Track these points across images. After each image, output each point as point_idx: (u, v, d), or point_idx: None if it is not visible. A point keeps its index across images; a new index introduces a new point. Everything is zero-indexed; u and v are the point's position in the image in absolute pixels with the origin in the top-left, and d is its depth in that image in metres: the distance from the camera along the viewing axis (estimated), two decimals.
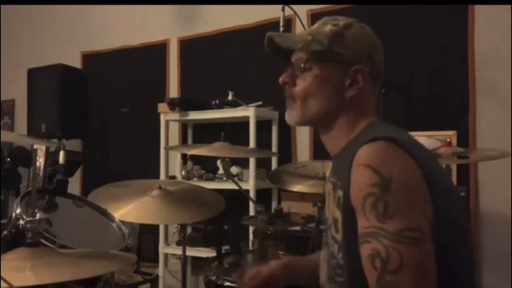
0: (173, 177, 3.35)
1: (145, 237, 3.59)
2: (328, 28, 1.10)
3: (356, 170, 0.96)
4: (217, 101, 3.15)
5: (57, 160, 1.82)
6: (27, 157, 3.63)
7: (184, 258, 2.10)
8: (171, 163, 3.38)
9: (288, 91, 1.15)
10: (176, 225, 2.19)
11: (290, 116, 1.16)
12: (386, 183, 0.90)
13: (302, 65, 1.12)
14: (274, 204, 3.12)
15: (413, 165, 0.93)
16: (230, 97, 3.15)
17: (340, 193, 1.02)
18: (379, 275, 0.88)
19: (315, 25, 1.15)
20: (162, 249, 3.32)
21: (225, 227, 1.90)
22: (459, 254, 0.98)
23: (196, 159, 3.35)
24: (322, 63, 1.10)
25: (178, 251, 3.14)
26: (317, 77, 1.10)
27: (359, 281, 0.95)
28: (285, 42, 1.15)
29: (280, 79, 1.16)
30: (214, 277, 1.67)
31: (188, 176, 3.30)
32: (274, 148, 3.18)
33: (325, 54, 1.09)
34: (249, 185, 2.94)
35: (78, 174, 4.00)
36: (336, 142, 1.14)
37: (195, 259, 3.23)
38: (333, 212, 1.06)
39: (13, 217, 1.46)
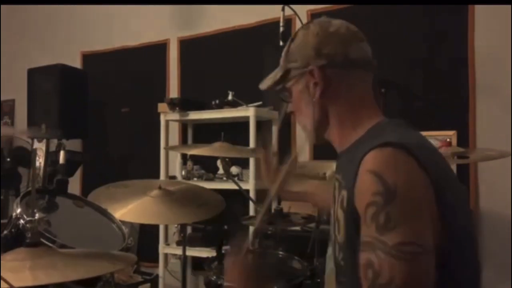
0: (173, 177, 3.35)
1: (145, 237, 3.59)
2: (284, 50, 1.17)
3: (361, 176, 0.94)
4: (217, 101, 3.15)
5: (57, 160, 1.82)
6: (27, 157, 3.63)
7: (184, 258, 2.11)
8: (171, 163, 3.38)
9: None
10: (176, 225, 2.19)
11: (308, 139, 1.20)
12: (391, 193, 0.88)
13: (282, 95, 1.20)
14: (274, 204, 3.11)
15: (421, 174, 0.91)
16: (230, 97, 3.15)
17: (344, 193, 1.01)
18: (369, 286, 0.88)
19: None
20: (162, 249, 3.32)
21: (225, 227, 1.90)
22: (461, 268, 0.96)
23: (196, 159, 3.35)
24: (288, 83, 1.17)
25: (178, 251, 3.15)
26: (294, 98, 1.17)
27: (358, 284, 0.94)
28: (264, 84, 1.23)
29: (288, 112, 1.24)
30: (214, 277, 1.67)
31: (188, 176, 3.30)
32: (274, 148, 3.17)
33: (285, 75, 1.16)
34: (249, 185, 2.94)
35: (78, 174, 4.00)
36: (340, 140, 1.14)
37: (195, 259, 3.23)
38: (336, 211, 1.06)
39: (13, 217, 1.46)
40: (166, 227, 3.35)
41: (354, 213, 0.96)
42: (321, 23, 1.14)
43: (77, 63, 4.15)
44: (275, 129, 3.19)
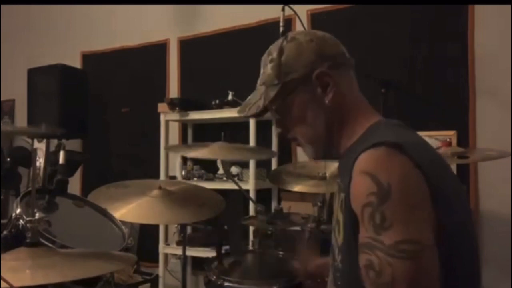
0: (173, 177, 3.35)
1: (145, 237, 3.59)
2: (269, 67, 1.12)
3: (355, 177, 0.94)
4: (217, 101, 3.15)
5: (57, 160, 1.82)
6: (27, 157, 3.63)
7: (184, 258, 2.10)
8: (171, 163, 3.38)
9: (289, 137, 1.18)
10: (176, 225, 2.19)
11: (308, 154, 1.18)
12: (385, 192, 0.88)
13: (277, 113, 1.15)
14: (274, 204, 3.12)
15: (415, 172, 0.91)
16: (230, 97, 3.15)
17: (342, 195, 1.02)
18: (371, 286, 0.89)
19: (261, 70, 1.16)
20: (162, 249, 3.32)
21: (225, 227, 1.89)
22: (461, 265, 0.96)
23: (196, 159, 3.35)
24: (288, 97, 1.11)
25: (178, 251, 3.15)
26: (296, 111, 1.12)
27: (354, 286, 0.95)
28: (252, 108, 1.16)
29: (277, 134, 1.19)
30: (214, 277, 1.67)
31: (188, 176, 3.30)
32: (274, 148, 3.16)
33: (284, 90, 1.10)
34: (249, 185, 2.94)
35: (78, 174, 4.00)
36: (341, 145, 1.13)
37: (195, 259, 3.23)
38: (336, 213, 1.06)
39: (13, 217, 1.46)
40: (166, 227, 3.35)
41: (351, 215, 0.96)
42: (303, 32, 1.14)
43: (77, 63, 4.15)
44: (275, 129, 3.19)
